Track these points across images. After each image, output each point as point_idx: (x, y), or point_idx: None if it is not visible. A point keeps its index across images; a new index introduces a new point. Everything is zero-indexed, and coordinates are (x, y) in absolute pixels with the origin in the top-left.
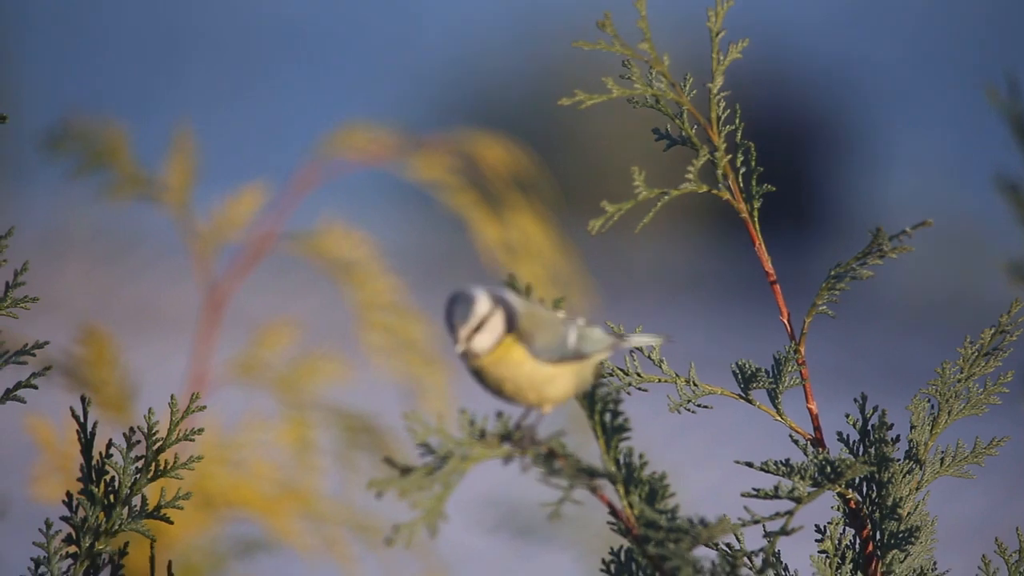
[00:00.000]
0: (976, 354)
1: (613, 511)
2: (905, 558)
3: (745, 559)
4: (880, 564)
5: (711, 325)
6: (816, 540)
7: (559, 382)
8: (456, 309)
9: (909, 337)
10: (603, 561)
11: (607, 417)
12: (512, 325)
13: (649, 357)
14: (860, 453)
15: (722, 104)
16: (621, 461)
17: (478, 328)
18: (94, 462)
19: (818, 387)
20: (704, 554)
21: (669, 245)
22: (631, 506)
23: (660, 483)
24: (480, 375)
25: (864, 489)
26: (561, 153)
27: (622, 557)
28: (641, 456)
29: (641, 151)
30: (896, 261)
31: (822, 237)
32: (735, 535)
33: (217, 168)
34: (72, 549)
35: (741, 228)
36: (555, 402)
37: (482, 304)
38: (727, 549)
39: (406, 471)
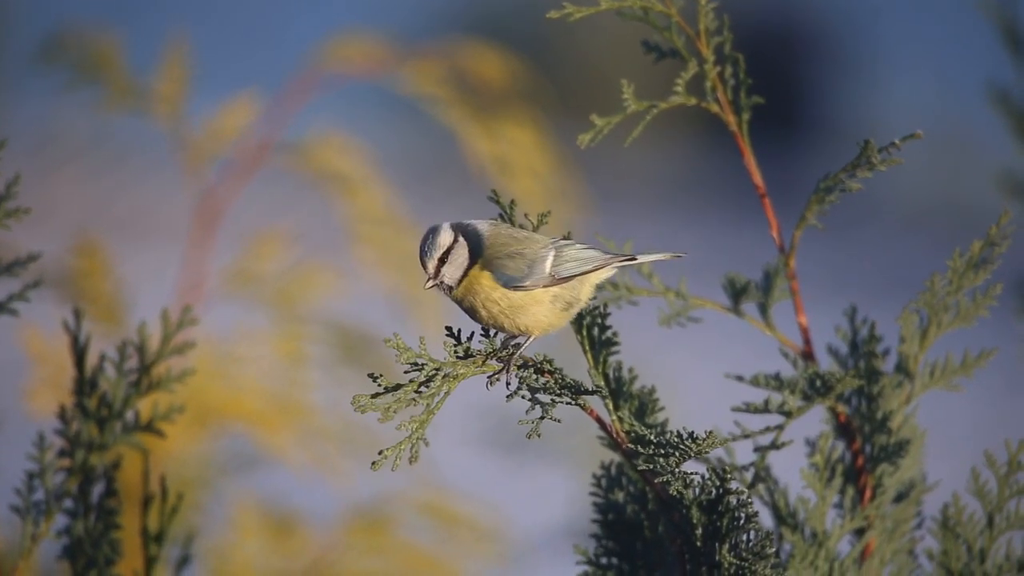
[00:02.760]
0: (965, 266)
1: (602, 426)
2: (895, 471)
3: (735, 473)
4: (870, 477)
5: (701, 228)
6: (806, 454)
7: (533, 310)
8: (424, 244)
9: (902, 240)
10: (594, 476)
11: (595, 331)
12: (477, 253)
13: (638, 270)
14: (850, 366)
15: (711, 15)
16: (610, 375)
17: (443, 260)
18: (87, 375)
19: (809, 292)
20: (694, 468)
21: (660, 149)
22: (620, 420)
23: (650, 397)
24: (460, 305)
25: (854, 403)
26: (561, 56)
27: (612, 471)
28: (631, 370)
29: (643, 55)
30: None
31: (813, 143)
32: (725, 449)
33: (209, 77)
34: (66, 463)
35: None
36: (539, 329)
37: (445, 235)
38: (717, 463)
39: (392, 389)
